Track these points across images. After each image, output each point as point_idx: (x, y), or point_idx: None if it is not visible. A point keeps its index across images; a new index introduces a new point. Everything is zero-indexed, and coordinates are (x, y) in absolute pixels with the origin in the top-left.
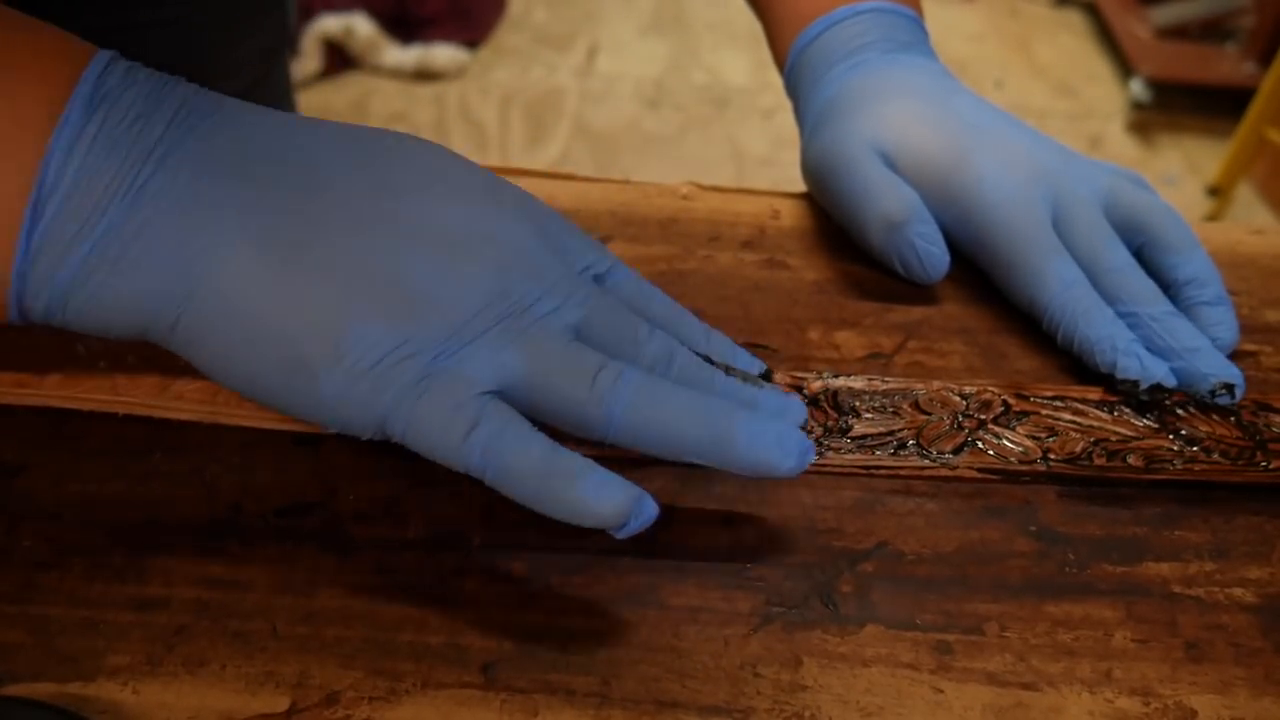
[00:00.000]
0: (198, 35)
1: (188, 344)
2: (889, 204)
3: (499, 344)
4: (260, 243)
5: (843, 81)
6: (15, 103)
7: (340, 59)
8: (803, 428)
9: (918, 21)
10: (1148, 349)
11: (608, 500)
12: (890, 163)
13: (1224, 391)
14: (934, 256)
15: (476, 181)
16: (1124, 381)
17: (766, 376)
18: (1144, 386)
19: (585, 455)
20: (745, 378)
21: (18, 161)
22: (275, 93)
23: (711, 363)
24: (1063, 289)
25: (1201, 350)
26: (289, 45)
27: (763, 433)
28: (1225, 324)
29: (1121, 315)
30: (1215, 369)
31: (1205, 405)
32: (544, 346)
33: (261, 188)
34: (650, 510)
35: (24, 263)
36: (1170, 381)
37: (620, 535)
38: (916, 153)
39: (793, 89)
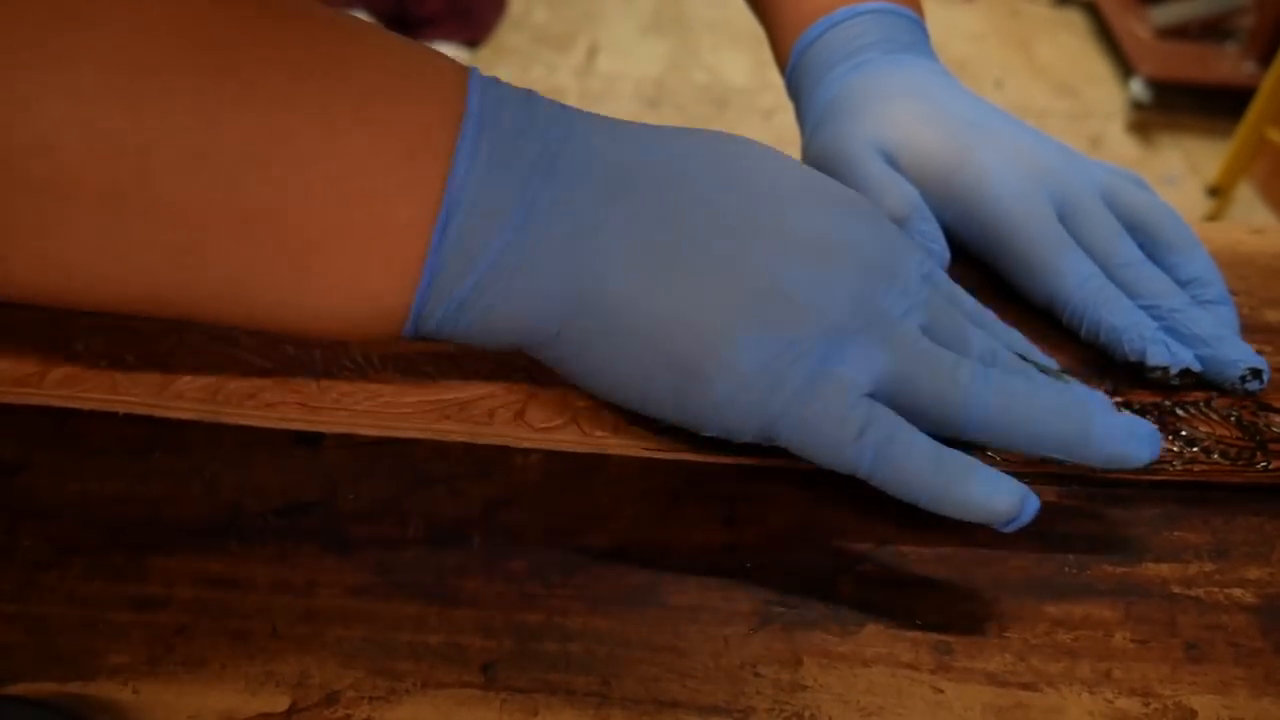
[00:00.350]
0: None
1: (567, 354)
2: (890, 201)
3: (870, 346)
4: (644, 250)
5: (844, 81)
6: (422, 124)
7: None
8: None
9: (918, 23)
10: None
11: (1001, 496)
12: (892, 162)
13: (1253, 377)
14: (935, 253)
15: (823, 184)
16: (1154, 369)
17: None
18: (1174, 372)
19: None
20: (1047, 372)
21: (426, 181)
22: None
23: (1030, 363)
24: (1081, 282)
25: (1226, 338)
26: None
27: (1117, 425)
28: (1229, 323)
29: (1141, 309)
30: (1243, 355)
31: (1208, 405)
32: (908, 346)
33: (637, 197)
34: (1034, 505)
35: (429, 278)
36: (1199, 367)
37: (1008, 529)
38: (918, 151)
39: (794, 89)
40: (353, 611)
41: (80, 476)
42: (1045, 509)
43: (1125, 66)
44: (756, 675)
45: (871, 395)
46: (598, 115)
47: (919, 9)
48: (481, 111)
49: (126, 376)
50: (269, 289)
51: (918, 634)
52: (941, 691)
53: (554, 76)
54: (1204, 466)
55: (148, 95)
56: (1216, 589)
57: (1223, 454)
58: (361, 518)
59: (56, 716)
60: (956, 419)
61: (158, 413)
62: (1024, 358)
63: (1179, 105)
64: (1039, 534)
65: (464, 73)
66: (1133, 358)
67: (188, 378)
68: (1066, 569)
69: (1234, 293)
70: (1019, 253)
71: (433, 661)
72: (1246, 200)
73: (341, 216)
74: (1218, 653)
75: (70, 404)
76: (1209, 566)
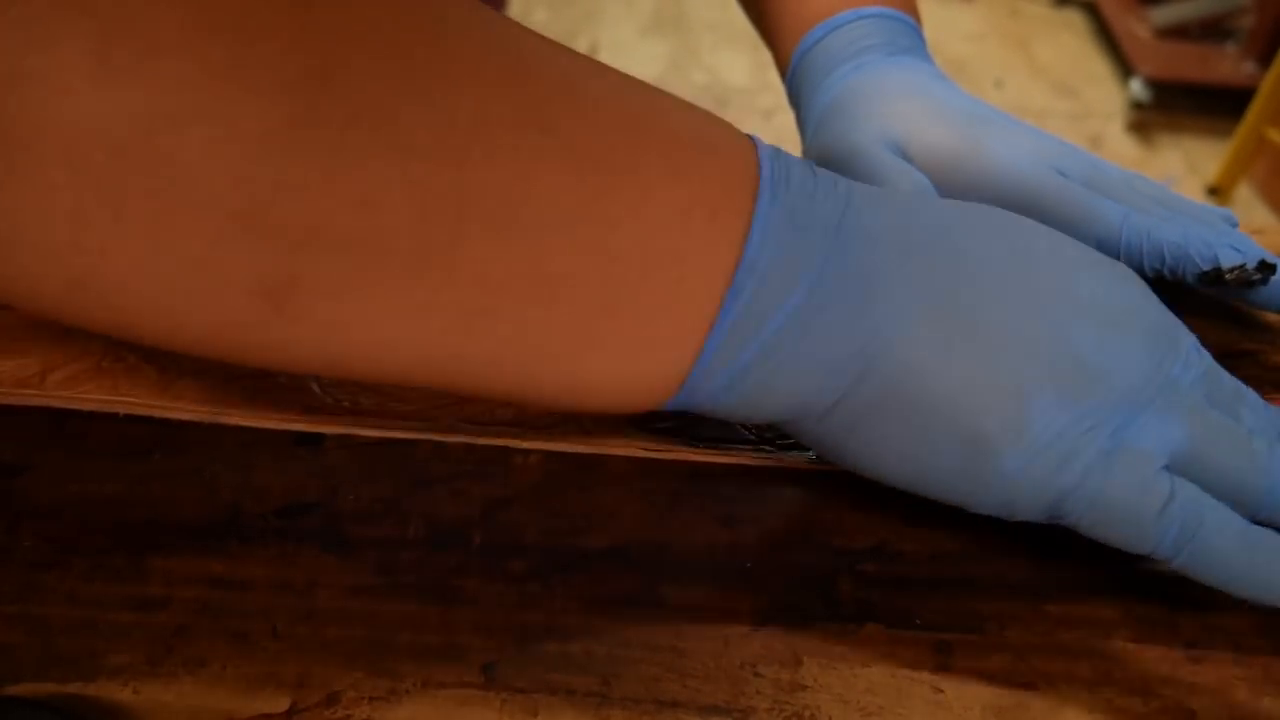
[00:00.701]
0: None
1: (846, 427)
2: (904, 189)
3: (1164, 416)
4: (931, 320)
5: (845, 82)
6: (724, 184)
7: None
8: None
9: (916, 29)
10: (1191, 257)
11: None
12: (902, 154)
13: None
14: None
15: (1090, 252)
16: (1231, 269)
17: None
18: (1251, 266)
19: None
20: None
21: (726, 243)
22: None
23: None
24: (1123, 218)
25: (1238, 236)
26: None
27: None
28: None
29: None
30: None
31: None
32: (1201, 418)
33: (925, 264)
34: None
35: (714, 341)
36: (1272, 258)
37: None
38: (926, 144)
39: (795, 93)
40: (353, 612)
41: (81, 477)
42: None
43: (1125, 66)
44: (756, 675)
45: (1167, 469)
46: (868, 185)
47: (916, 15)
48: (774, 173)
49: (127, 377)
50: (552, 357)
51: (918, 634)
52: (941, 691)
53: None
54: None
55: (473, 154)
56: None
57: None
58: (362, 518)
59: (56, 717)
60: (1254, 494)
61: (158, 413)
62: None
63: (1179, 105)
64: (1039, 533)
65: (747, 136)
66: (1205, 265)
67: (188, 378)
68: (1066, 568)
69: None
70: (1049, 214)
71: (433, 662)
72: (1246, 200)
73: (640, 278)
74: (1217, 652)
75: (71, 405)
76: None
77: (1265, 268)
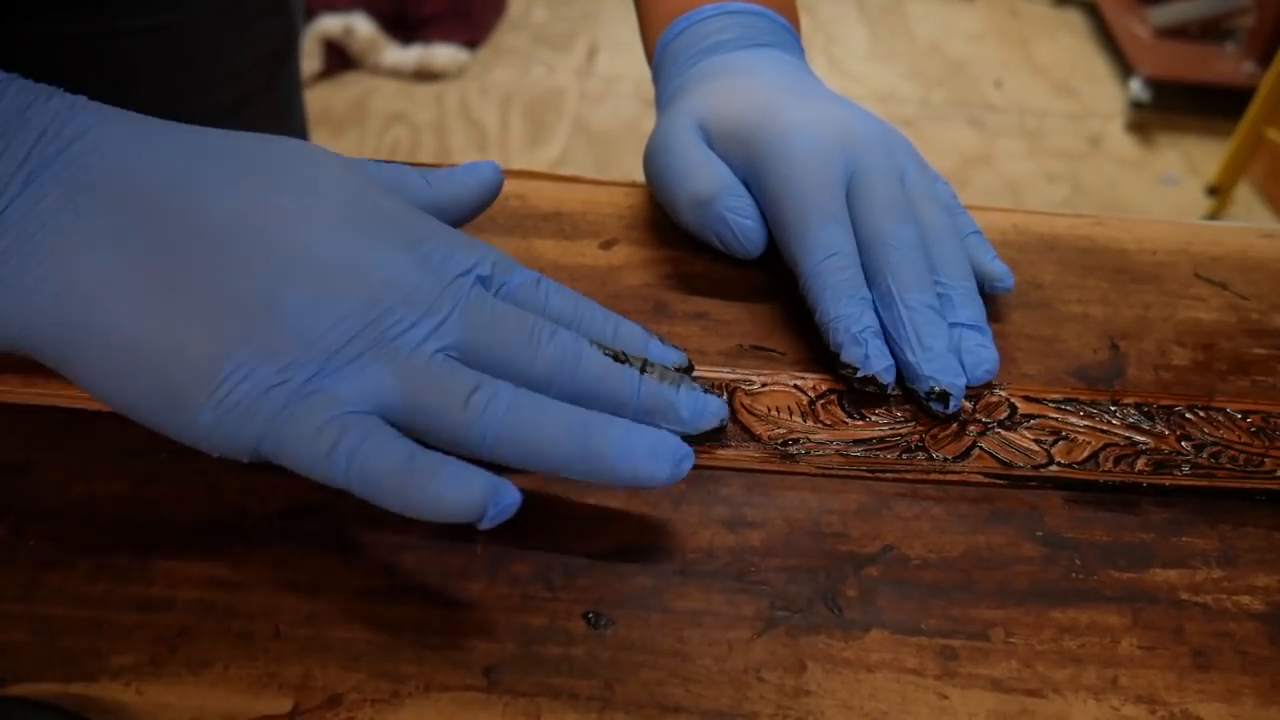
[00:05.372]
0: (193, 42)
1: (61, 365)
2: (696, 182)
3: (369, 369)
4: (132, 274)
5: (687, 73)
6: None
7: (340, 59)
8: (721, 426)
9: (786, 27)
10: (888, 335)
11: (462, 493)
12: (706, 134)
13: (938, 399)
14: (747, 228)
15: (355, 202)
16: (844, 365)
17: (687, 369)
18: (859, 375)
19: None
20: (663, 374)
21: None
22: (278, 102)
23: (625, 359)
24: (822, 258)
25: (934, 351)
26: (295, 52)
27: (634, 445)
28: (976, 318)
29: (880, 294)
30: (937, 373)
31: (1212, 409)
32: (416, 369)
33: (135, 214)
34: (509, 498)
35: None
36: (886, 379)
37: (482, 526)
38: (727, 117)
39: (655, 86)
40: (356, 614)
41: (86, 477)
42: (1052, 514)
43: (1125, 66)
44: (760, 680)
45: (383, 419)
46: (133, 117)
47: (792, 14)
48: None
49: None
50: None
51: (922, 639)
52: (946, 697)
53: (554, 77)
54: (1212, 472)
55: None
56: (1224, 596)
57: (1232, 460)
58: (365, 520)
59: (59, 717)
60: (470, 441)
61: None
62: (644, 359)
63: (1178, 105)
64: (1045, 539)
65: None
66: (832, 348)
67: None
68: (1073, 575)
69: (1244, 297)
70: (787, 217)
71: (435, 664)
72: (1246, 200)
73: None
74: (1225, 660)
75: (76, 404)
76: (1217, 573)
77: (871, 383)
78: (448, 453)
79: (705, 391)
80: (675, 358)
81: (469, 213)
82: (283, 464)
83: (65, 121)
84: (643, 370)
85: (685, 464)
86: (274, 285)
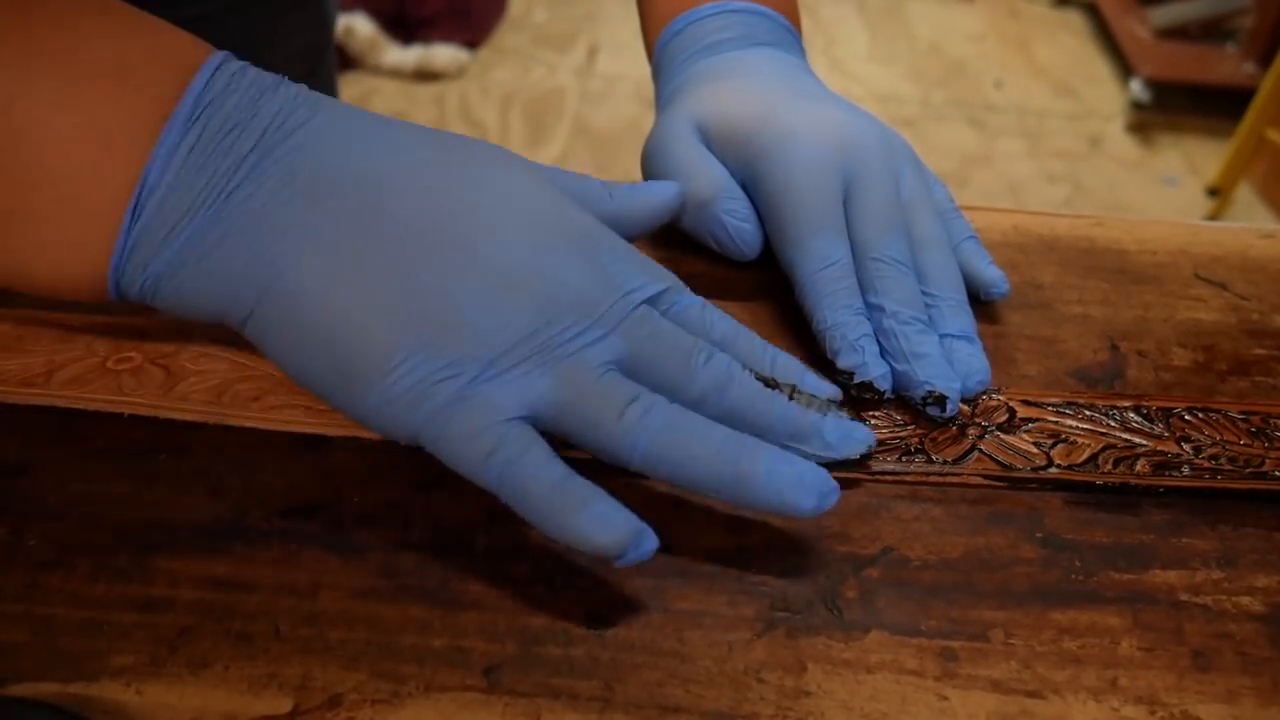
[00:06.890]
0: (221, 36)
1: (257, 338)
2: (694, 184)
3: (533, 373)
4: (326, 260)
5: (686, 72)
6: (128, 109)
7: (340, 59)
8: (866, 455)
9: (784, 24)
10: (881, 345)
11: (608, 531)
12: (704, 135)
13: (934, 402)
14: (744, 231)
15: (544, 210)
16: (841, 372)
17: (839, 403)
18: (855, 381)
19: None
20: (810, 401)
21: (125, 165)
22: None
23: (776, 385)
24: (819, 267)
25: (927, 357)
26: (329, 47)
27: (784, 474)
28: (966, 329)
29: (871, 306)
30: (932, 378)
31: (1212, 410)
32: (576, 376)
33: (336, 205)
34: (649, 544)
35: (121, 254)
36: (883, 385)
37: (619, 565)
38: (726, 118)
39: (654, 85)
40: (356, 614)
41: (85, 478)
42: (1052, 515)
43: (1125, 67)
44: (760, 681)
45: (534, 422)
46: (347, 109)
47: (793, 14)
48: (199, 102)
49: (132, 378)
50: None
51: (922, 640)
52: (946, 699)
53: (554, 77)
54: (1212, 474)
55: None
56: (1224, 597)
57: (1231, 461)
58: (365, 521)
59: (59, 717)
60: (621, 451)
61: (163, 414)
62: (794, 386)
63: (1179, 106)
64: (1045, 541)
65: (201, 56)
66: (829, 355)
67: (193, 380)
68: (1073, 576)
69: (1244, 298)
70: (784, 223)
71: (435, 665)
72: (1246, 200)
73: (48, 187)
74: (1225, 661)
75: (76, 405)
76: (1217, 574)
77: (866, 389)
78: (593, 456)
79: (853, 419)
80: (828, 390)
81: (644, 228)
82: (438, 456)
83: (289, 114)
84: (791, 395)
85: (830, 498)
86: (452, 282)
